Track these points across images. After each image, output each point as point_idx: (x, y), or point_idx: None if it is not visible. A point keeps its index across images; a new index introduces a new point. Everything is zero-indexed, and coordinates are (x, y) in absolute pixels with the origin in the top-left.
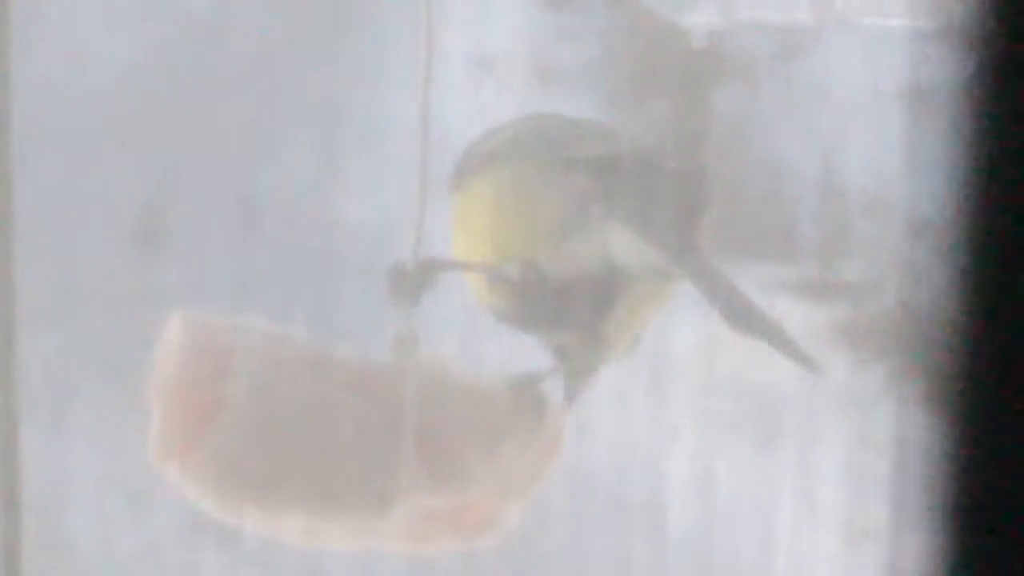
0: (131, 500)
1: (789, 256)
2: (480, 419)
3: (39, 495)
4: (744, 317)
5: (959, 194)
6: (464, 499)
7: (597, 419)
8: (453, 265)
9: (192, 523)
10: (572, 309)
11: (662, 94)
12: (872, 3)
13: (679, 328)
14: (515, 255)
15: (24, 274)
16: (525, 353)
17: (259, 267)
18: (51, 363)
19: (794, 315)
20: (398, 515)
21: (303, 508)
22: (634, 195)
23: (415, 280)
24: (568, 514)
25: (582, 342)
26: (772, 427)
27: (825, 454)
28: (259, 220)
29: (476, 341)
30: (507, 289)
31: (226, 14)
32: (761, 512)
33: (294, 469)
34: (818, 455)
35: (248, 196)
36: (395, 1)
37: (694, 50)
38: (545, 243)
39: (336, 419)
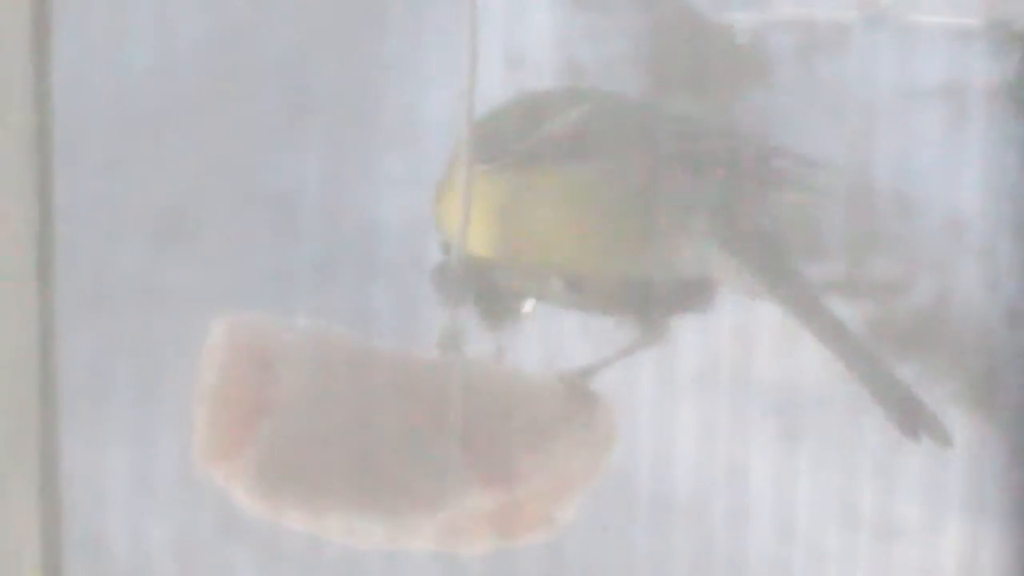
0: (164, 498)
1: (818, 254)
2: (529, 416)
3: (74, 493)
4: (854, 356)
5: (995, 193)
6: (514, 498)
7: (625, 419)
8: (497, 266)
9: (225, 521)
10: (641, 310)
11: (692, 90)
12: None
13: (709, 328)
14: (587, 258)
15: (58, 274)
16: (573, 349)
17: (293, 266)
18: (83, 364)
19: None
20: (447, 515)
21: (351, 509)
22: (723, 202)
23: (460, 278)
24: (593, 512)
25: (639, 338)
26: (804, 427)
27: (856, 454)
28: (293, 219)
29: (522, 337)
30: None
31: (260, 11)
32: (793, 511)
33: (341, 470)
34: (849, 455)
35: (281, 195)
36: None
37: (734, 47)
38: (619, 250)
39: (383, 419)
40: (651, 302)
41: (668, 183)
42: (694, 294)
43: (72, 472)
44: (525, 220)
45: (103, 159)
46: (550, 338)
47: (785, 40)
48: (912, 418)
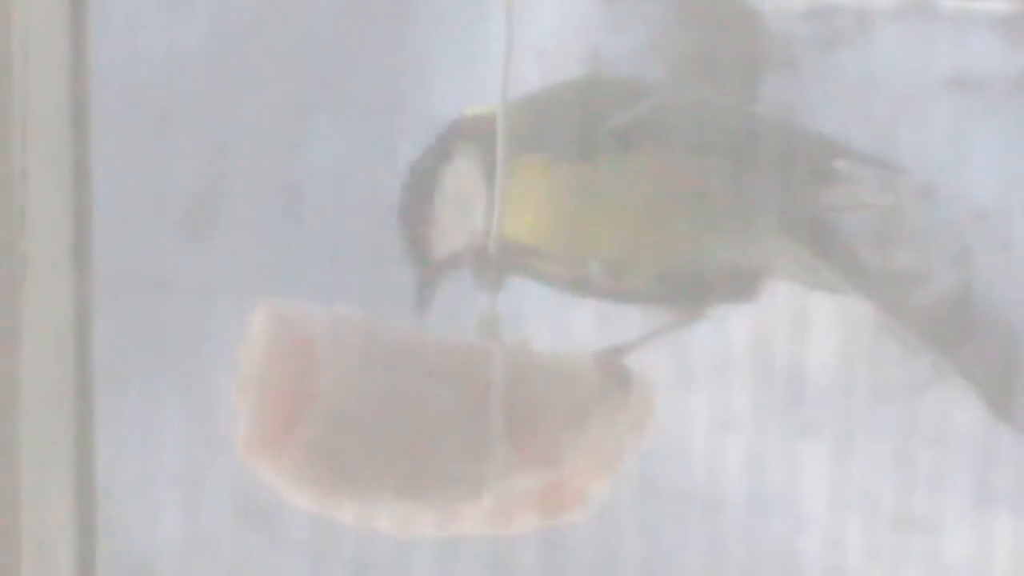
0: (185, 486)
1: None
2: (567, 397)
3: (108, 481)
4: (934, 337)
5: (1018, 183)
6: (554, 479)
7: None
8: (535, 252)
9: (244, 508)
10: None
11: (716, 79)
12: None
13: (729, 319)
14: (643, 251)
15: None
16: (609, 328)
17: (323, 255)
18: (114, 351)
19: (843, 303)
20: (489, 499)
21: (396, 496)
22: (803, 202)
23: (497, 263)
24: (617, 501)
25: (674, 321)
26: (820, 416)
27: (874, 444)
28: (323, 209)
29: (558, 318)
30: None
31: (285, 3)
32: (810, 501)
33: (385, 458)
34: (867, 445)
35: (311, 184)
36: None
37: (759, 35)
38: (685, 245)
39: (425, 405)
40: (694, 294)
41: (727, 177)
42: (742, 284)
43: (106, 460)
44: (584, 211)
45: (132, 147)
46: (585, 319)
47: (809, 29)
48: (1002, 391)
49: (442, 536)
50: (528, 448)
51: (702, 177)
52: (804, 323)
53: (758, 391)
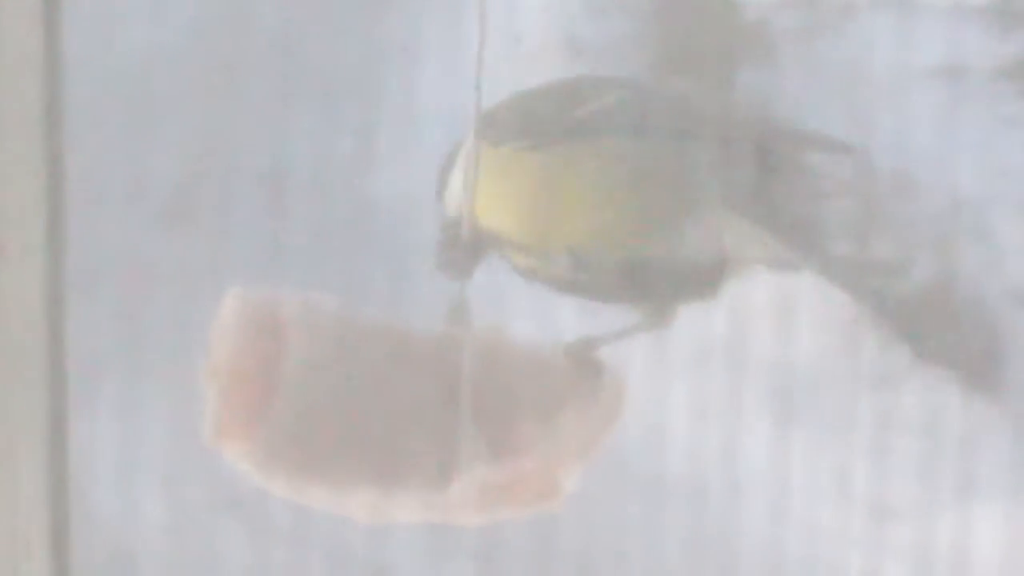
0: (161, 475)
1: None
2: (537, 387)
3: (79, 468)
4: (885, 310)
5: (996, 173)
6: (523, 468)
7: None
8: (506, 242)
9: (222, 497)
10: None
11: (692, 70)
12: None
13: (709, 307)
14: (608, 238)
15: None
16: (580, 319)
17: (289, 244)
18: (82, 340)
19: (823, 292)
20: (458, 487)
21: (364, 484)
22: (756, 181)
23: (468, 251)
24: (594, 490)
25: (646, 318)
26: (800, 405)
27: (853, 433)
28: (290, 197)
29: (530, 309)
30: (559, 274)
31: None
32: (788, 490)
33: (353, 445)
34: (846, 433)
35: (280, 173)
36: None
37: (738, 25)
38: (647, 229)
39: (393, 393)
40: (658, 287)
41: (698, 165)
42: (704, 279)
43: (81, 450)
44: (541, 199)
45: (112, 136)
46: (557, 310)
47: (789, 19)
48: (981, 381)
49: (411, 524)
50: (497, 437)
51: (655, 164)
52: (783, 312)
53: (737, 380)
